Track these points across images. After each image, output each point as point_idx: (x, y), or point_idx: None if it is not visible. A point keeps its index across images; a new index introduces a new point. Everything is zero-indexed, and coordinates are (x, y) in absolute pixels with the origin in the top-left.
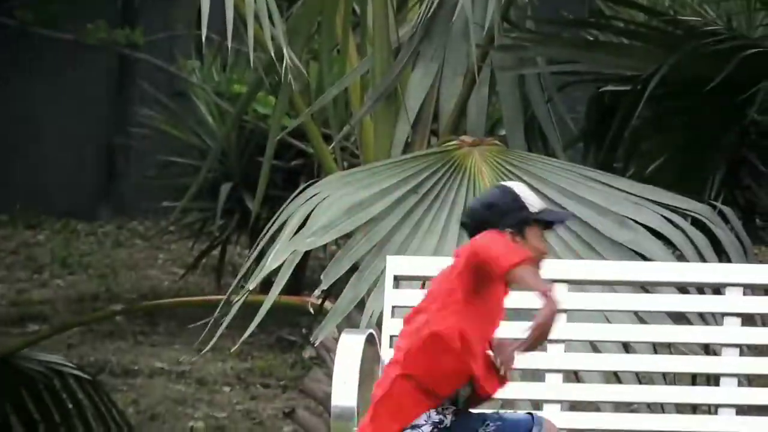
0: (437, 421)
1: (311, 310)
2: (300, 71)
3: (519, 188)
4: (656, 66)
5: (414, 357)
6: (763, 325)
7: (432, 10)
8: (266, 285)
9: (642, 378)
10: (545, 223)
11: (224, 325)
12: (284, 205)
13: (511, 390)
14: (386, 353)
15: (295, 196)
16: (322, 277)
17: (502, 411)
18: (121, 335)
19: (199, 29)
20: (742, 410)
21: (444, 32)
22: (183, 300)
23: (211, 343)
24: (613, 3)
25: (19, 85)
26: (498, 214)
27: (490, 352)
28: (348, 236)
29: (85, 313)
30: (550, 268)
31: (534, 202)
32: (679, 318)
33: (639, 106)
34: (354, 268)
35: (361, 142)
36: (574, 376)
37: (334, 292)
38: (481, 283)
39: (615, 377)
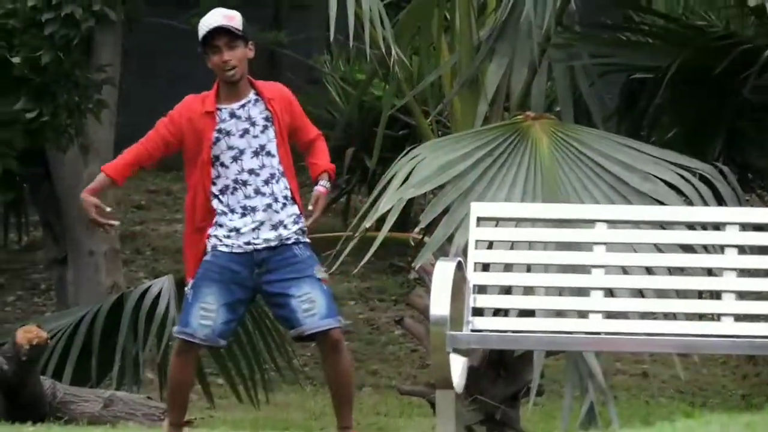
0: None
1: (413, 243)
2: (405, 63)
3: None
4: (673, 59)
5: None
6: (752, 253)
7: (504, 17)
8: (380, 224)
9: (661, 294)
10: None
11: (345, 252)
12: (393, 164)
13: (563, 302)
14: (471, 276)
15: (402, 157)
16: (421, 218)
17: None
18: None
19: (329, 32)
20: (739, 318)
21: (513, 34)
22: (318, 236)
23: (336, 264)
24: (640, 11)
25: (192, 77)
26: None
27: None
28: (441, 187)
29: None
30: (592, 210)
31: (199, 32)
32: (689, 249)
33: (660, 89)
34: (445, 211)
35: (451, 117)
36: (610, 293)
37: (430, 229)
38: None
39: (640, 293)
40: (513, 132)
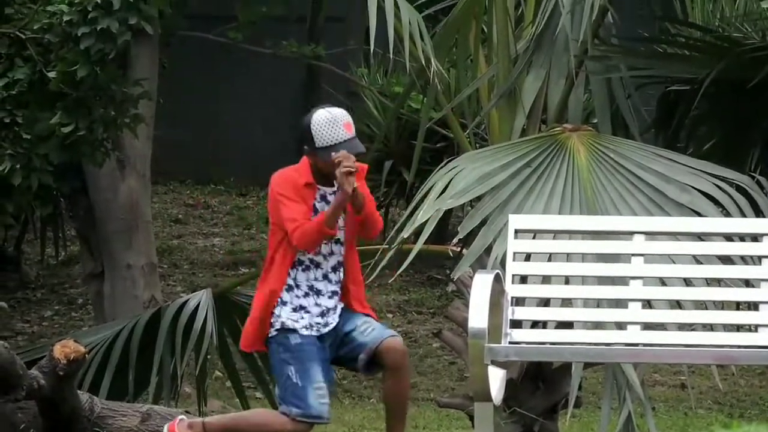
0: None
1: (452, 255)
2: (443, 76)
3: (315, 119)
4: (709, 70)
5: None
6: None
7: (540, 29)
8: (418, 237)
9: (699, 305)
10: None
11: (383, 264)
12: (431, 176)
13: (601, 314)
14: (509, 288)
15: (440, 169)
16: (459, 229)
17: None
18: None
19: (368, 45)
20: None
21: (550, 46)
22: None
23: (373, 276)
24: (676, 23)
25: (230, 88)
26: (301, 139)
27: None
28: (479, 198)
29: None
30: (630, 222)
31: (321, 137)
32: (727, 260)
33: (696, 100)
34: (483, 223)
35: (488, 129)
36: (648, 305)
37: (468, 241)
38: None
39: (678, 305)
40: (550, 144)
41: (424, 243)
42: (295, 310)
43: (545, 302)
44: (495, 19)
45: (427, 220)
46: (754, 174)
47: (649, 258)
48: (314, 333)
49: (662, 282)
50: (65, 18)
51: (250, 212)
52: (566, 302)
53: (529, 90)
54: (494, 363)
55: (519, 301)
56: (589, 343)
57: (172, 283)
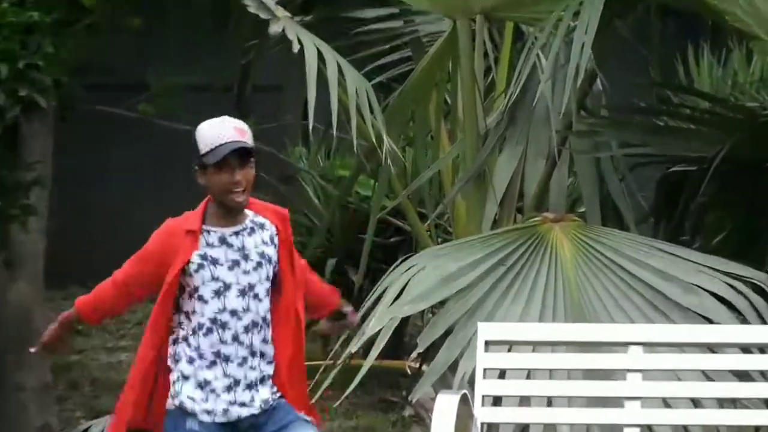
0: None
1: (410, 372)
2: (397, 156)
3: (199, 127)
4: (719, 147)
5: None
6: None
7: (515, 98)
8: (368, 350)
9: (710, 431)
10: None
11: (326, 384)
12: (384, 277)
13: None
14: (479, 412)
15: (394, 269)
16: (418, 341)
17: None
18: None
19: (306, 119)
20: None
21: (527, 119)
22: None
23: (314, 399)
24: (680, 92)
25: (143, 171)
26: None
27: None
28: (442, 304)
29: None
30: (625, 330)
31: (204, 140)
32: (743, 376)
33: (704, 183)
34: (447, 333)
35: (453, 220)
36: (648, 430)
37: (430, 355)
38: None
39: (685, 431)
40: (528, 237)
41: (376, 358)
42: (199, 386)
43: (523, 429)
44: (460, 87)
45: (379, 331)
46: None
47: (649, 374)
48: (217, 420)
49: (665, 403)
50: None
51: None
52: (549, 429)
53: (501, 172)
54: None
55: (491, 428)
56: None
57: (71, 407)
